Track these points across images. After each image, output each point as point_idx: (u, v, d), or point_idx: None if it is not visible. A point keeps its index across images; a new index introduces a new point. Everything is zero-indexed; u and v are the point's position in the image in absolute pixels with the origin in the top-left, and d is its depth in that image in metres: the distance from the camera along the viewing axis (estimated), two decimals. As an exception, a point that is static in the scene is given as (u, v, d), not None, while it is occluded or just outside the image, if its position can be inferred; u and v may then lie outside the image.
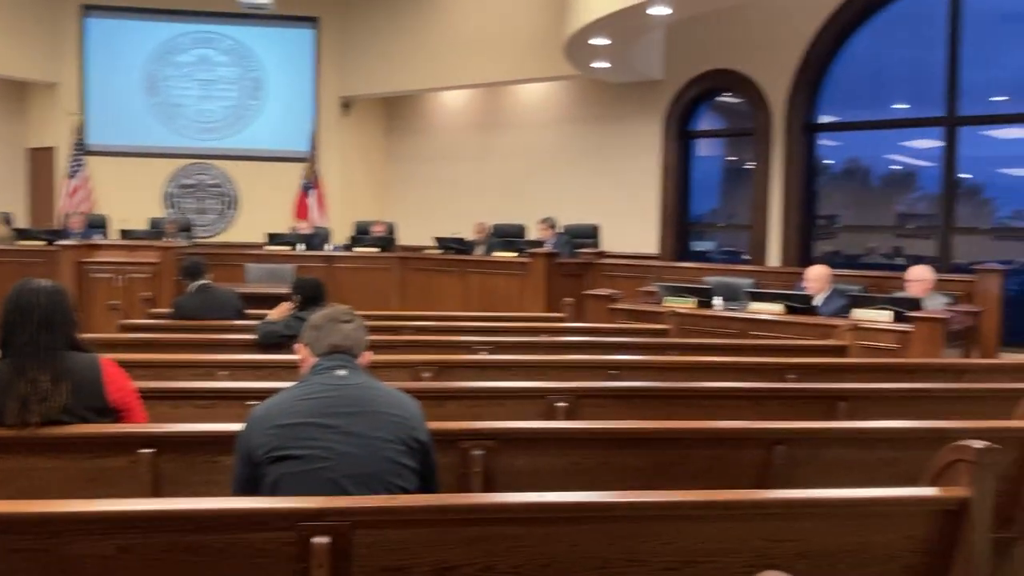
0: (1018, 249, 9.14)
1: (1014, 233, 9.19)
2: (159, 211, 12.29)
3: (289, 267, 9.37)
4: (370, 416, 2.28)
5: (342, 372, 2.37)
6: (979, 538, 2.21)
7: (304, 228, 11.06)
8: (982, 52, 8.84)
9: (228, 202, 12.83)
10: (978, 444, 2.21)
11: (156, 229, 10.71)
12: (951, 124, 8.81)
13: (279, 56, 12.85)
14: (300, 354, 2.53)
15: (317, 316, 2.51)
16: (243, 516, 2.01)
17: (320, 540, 1.96)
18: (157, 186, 12.67)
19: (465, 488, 2.80)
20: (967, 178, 9.13)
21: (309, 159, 12.59)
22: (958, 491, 2.22)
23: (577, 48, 9.27)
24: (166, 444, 2.69)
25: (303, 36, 12.81)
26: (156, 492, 2.65)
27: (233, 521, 1.98)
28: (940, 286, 6.92)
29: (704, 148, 11.00)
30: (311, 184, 12.53)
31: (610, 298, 7.04)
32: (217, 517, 1.99)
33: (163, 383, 3.60)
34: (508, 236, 10.33)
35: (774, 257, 9.72)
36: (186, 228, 11.22)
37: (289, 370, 4.13)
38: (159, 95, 12.67)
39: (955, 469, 2.26)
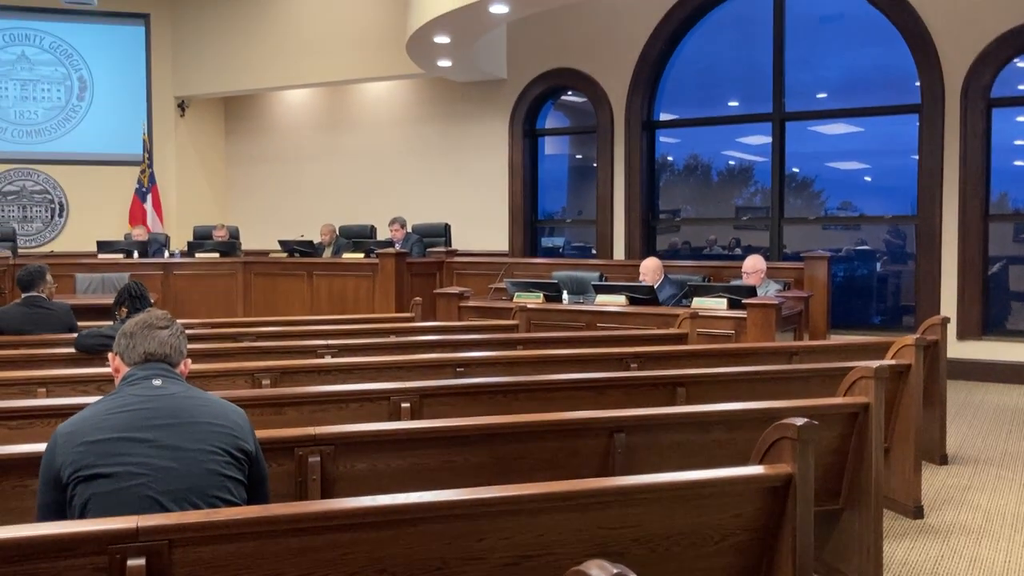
0: (844, 238, 9.71)
1: (840, 222, 9.76)
2: (-23, 221, 11.44)
3: (124, 276, 8.87)
4: (189, 427, 2.14)
5: (157, 382, 2.21)
6: (803, 511, 2.28)
7: (140, 235, 10.50)
8: (805, 52, 9.34)
9: (56, 209, 12.05)
10: (799, 421, 2.28)
11: (-27, 240, 9.95)
12: (779, 120, 9.26)
13: (107, 54, 12.16)
14: (112, 364, 2.36)
15: (130, 323, 2.34)
16: (47, 543, 1.83)
17: (135, 562, 1.82)
18: (-26, 194, 11.79)
19: (303, 496, 2.70)
20: (798, 172, 9.63)
21: (143, 162, 11.99)
22: (782, 468, 2.29)
23: (420, 46, 9.20)
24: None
25: (133, 33, 12.17)
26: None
27: (35, 549, 1.81)
28: (773, 274, 7.27)
29: (551, 146, 11.16)
30: (146, 188, 11.93)
31: (460, 296, 7.03)
32: (16, 546, 1.81)
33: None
34: (356, 237, 10.16)
35: (620, 251, 9.96)
36: (9, 238, 10.45)
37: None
38: (-27, 96, 11.78)
39: (780, 447, 2.33)
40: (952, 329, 7.55)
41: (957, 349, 7.65)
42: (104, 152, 12.07)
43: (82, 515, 2.03)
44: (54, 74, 12.01)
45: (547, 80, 10.36)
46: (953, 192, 8.22)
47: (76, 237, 11.67)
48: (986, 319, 8.22)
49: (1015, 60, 8.13)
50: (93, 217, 11.83)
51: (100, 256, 9.70)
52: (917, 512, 4.25)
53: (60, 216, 12.06)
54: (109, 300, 7.42)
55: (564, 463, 2.93)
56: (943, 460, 5.26)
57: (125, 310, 4.54)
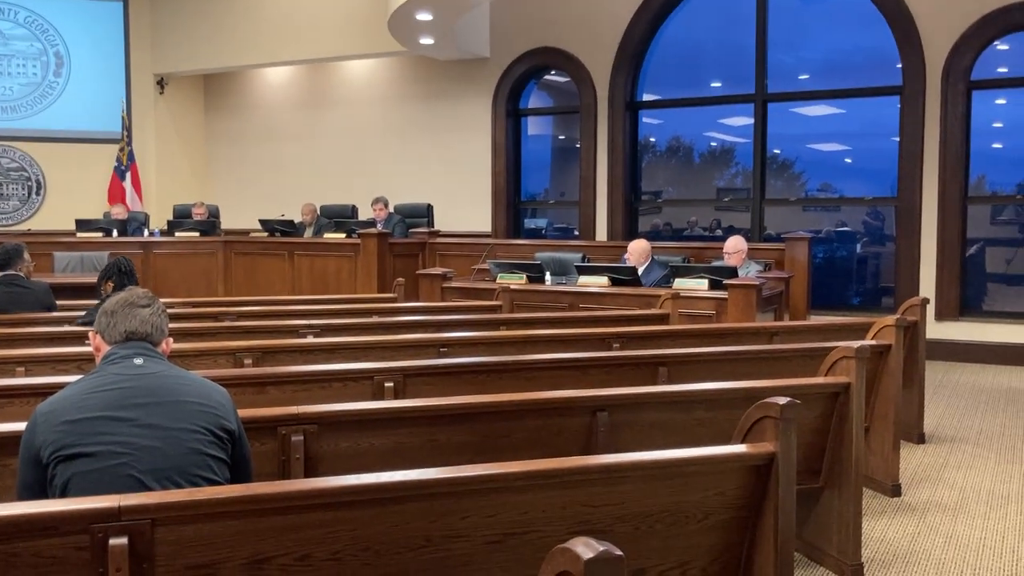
0: (825, 219, 9.76)
1: (821, 203, 9.80)
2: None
3: (103, 255, 8.80)
4: (171, 406, 2.12)
5: (139, 361, 2.20)
6: (785, 489, 2.30)
7: (119, 213, 10.41)
8: (788, 33, 9.34)
9: (33, 187, 11.90)
10: (782, 400, 2.30)
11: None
12: (761, 101, 9.26)
13: (84, 30, 11.97)
14: (93, 343, 2.33)
15: (111, 301, 2.32)
16: (27, 522, 1.81)
17: (117, 541, 1.81)
18: (-52, 171, 11.63)
19: (286, 475, 2.69)
20: (779, 153, 9.65)
21: (122, 140, 11.85)
22: (765, 446, 2.30)
23: (402, 23, 9.13)
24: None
25: (110, 9, 12.00)
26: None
27: (16, 528, 1.80)
28: (754, 255, 7.30)
29: (534, 126, 11.12)
30: (125, 167, 11.80)
31: (443, 277, 7.01)
32: (-4, 525, 1.80)
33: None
34: (338, 217, 10.11)
35: (602, 232, 9.96)
36: (-16, 216, 10.34)
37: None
38: (-55, 71, 11.60)
39: (762, 425, 2.34)
40: (930, 310, 7.61)
41: (935, 330, 7.72)
42: (82, 129, 11.92)
43: (63, 494, 2.02)
44: (29, 49, 11.83)
45: (530, 59, 10.31)
46: (933, 174, 8.27)
47: (54, 215, 11.54)
48: (964, 300, 8.30)
49: (995, 43, 8.17)
50: (71, 195, 11.70)
51: (79, 235, 9.61)
52: (895, 490, 4.30)
53: (37, 194, 11.91)
54: (88, 279, 7.37)
55: (547, 442, 2.94)
56: (921, 439, 5.32)
57: (111, 285, 4.47)
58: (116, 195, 11.65)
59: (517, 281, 6.79)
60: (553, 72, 10.59)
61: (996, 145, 8.65)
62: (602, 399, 3.01)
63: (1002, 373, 7.55)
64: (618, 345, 4.49)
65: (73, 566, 1.81)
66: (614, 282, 6.50)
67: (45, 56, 11.89)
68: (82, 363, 3.97)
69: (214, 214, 11.09)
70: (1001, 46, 8.22)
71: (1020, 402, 6.43)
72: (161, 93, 12.33)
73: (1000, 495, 4.35)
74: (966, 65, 8.14)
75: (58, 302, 5.66)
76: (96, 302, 4.96)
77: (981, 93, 8.28)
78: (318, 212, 10.35)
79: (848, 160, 9.96)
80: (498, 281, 6.86)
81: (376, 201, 9.67)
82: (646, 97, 10.11)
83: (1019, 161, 8.52)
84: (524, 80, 10.54)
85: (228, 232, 10.38)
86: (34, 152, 11.83)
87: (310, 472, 2.70)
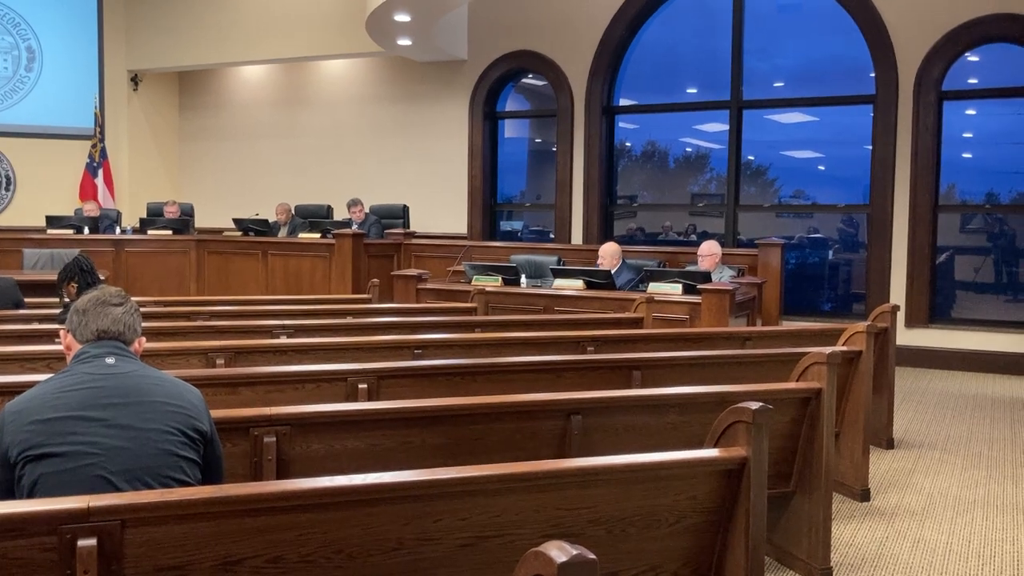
0: (798, 225, 9.85)
1: (794, 210, 9.88)
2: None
3: (74, 252, 8.69)
4: (143, 406, 2.10)
5: (110, 360, 2.17)
6: (757, 494, 2.31)
7: (91, 210, 10.29)
8: (764, 41, 9.42)
9: (3, 182, 11.73)
10: (754, 405, 2.31)
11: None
12: (737, 107, 9.33)
13: (57, 24, 11.83)
14: (64, 341, 2.30)
15: (83, 299, 2.29)
16: (-7, 523, 1.80)
17: (86, 543, 1.79)
18: (-84, 165, 11.45)
19: (258, 477, 2.67)
20: (753, 160, 9.72)
21: (95, 136, 11.72)
22: (737, 451, 2.32)
23: (379, 24, 9.11)
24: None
25: (84, 4, 11.86)
26: None
27: (-19, 530, 1.78)
28: (727, 260, 7.35)
29: (511, 129, 11.12)
30: (97, 163, 11.68)
31: (418, 278, 7.00)
32: (-39, 527, 1.77)
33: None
34: (312, 217, 10.06)
35: (578, 235, 9.99)
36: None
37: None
38: (-85, 64, 11.42)
39: (734, 430, 2.36)
40: (900, 317, 7.69)
41: (905, 336, 7.81)
42: (54, 125, 11.78)
43: (30, 495, 1.99)
44: (0, 43, 11.67)
45: (508, 62, 10.32)
46: (904, 183, 8.37)
47: (24, 211, 11.39)
48: (933, 307, 8.40)
49: (965, 54, 8.28)
50: (42, 191, 11.55)
51: (49, 231, 9.50)
52: (864, 495, 4.35)
53: (7, 190, 11.75)
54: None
55: (521, 445, 2.94)
56: (889, 444, 5.38)
57: (75, 286, 4.42)
58: (88, 192, 11.52)
59: (492, 283, 6.80)
60: (530, 75, 10.60)
61: (966, 155, 8.77)
62: (576, 402, 3.02)
63: (970, 380, 7.65)
64: (592, 349, 4.50)
65: (40, 568, 1.79)
66: (589, 285, 6.53)
67: (16, 50, 11.73)
68: (51, 362, 3.92)
69: (187, 212, 11.01)
70: (972, 57, 8.34)
71: (987, 408, 6.53)
72: (135, 89, 12.22)
73: (966, 500, 4.41)
74: (937, 76, 8.25)
75: (27, 299, 5.59)
76: (67, 300, 4.91)
77: (952, 104, 8.40)
78: (292, 212, 10.30)
79: (821, 167, 10.06)
80: (473, 283, 6.86)
81: (354, 203, 9.65)
82: (622, 102, 10.15)
83: (988, 171, 8.64)
84: (501, 83, 10.55)
85: (201, 231, 10.30)
86: (4, 147, 11.67)
87: (282, 474, 2.68)
